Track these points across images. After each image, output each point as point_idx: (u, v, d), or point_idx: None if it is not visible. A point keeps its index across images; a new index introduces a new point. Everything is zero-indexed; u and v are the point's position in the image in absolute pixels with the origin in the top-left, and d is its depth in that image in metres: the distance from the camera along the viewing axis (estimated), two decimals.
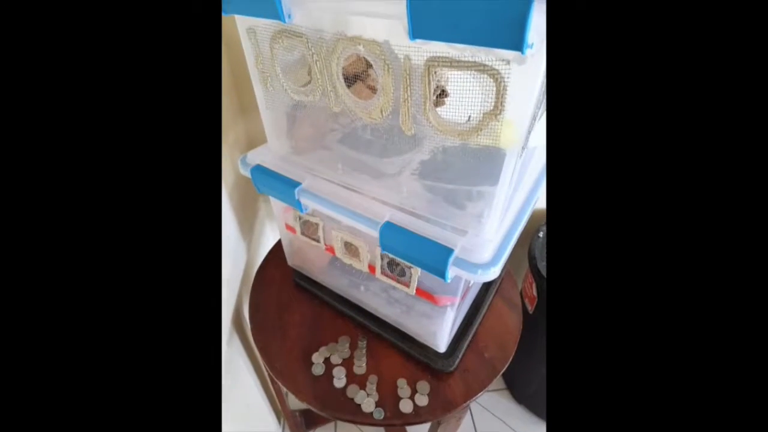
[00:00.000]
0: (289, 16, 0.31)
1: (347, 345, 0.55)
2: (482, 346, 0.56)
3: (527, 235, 0.85)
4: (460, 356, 0.53)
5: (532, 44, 0.22)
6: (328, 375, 0.51)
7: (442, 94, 0.38)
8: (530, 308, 0.83)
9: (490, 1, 0.21)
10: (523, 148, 0.30)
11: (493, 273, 0.35)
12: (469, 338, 0.55)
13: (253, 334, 0.56)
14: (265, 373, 0.82)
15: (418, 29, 0.24)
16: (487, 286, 0.62)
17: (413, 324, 0.52)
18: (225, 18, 0.37)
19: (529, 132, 0.30)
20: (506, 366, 0.54)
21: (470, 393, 0.50)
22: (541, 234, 0.84)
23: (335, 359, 0.53)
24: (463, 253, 0.35)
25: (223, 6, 0.34)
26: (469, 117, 0.31)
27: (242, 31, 0.37)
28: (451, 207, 0.38)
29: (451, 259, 0.35)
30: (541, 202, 0.94)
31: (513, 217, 0.40)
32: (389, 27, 0.27)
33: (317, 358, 0.53)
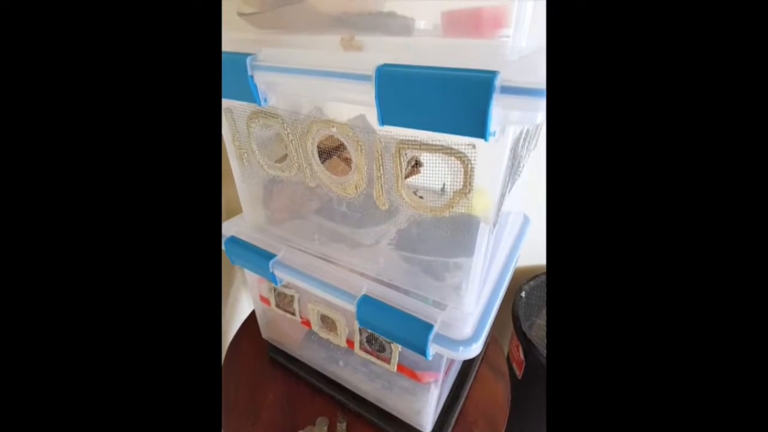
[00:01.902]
0: (265, 100, 0.32)
1: (325, 427, 0.50)
2: (471, 422, 0.52)
3: (509, 295, 0.84)
4: None
5: (495, 132, 0.23)
6: None
7: (416, 164, 0.39)
8: (518, 373, 0.80)
9: (453, 94, 0.22)
10: (494, 224, 0.30)
11: (475, 350, 0.33)
12: (456, 414, 0.52)
13: (223, 418, 0.51)
14: None
15: (387, 117, 0.25)
16: None
17: (396, 401, 0.48)
18: None
19: (500, 206, 0.31)
20: None
21: None
22: (523, 293, 0.83)
23: None
24: (443, 329, 0.34)
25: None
26: (444, 185, 0.31)
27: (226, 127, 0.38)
28: (429, 278, 0.37)
29: (431, 336, 0.33)
30: (519, 259, 0.95)
31: (492, 286, 0.39)
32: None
33: None
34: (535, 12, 0.23)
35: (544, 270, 0.90)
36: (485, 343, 0.63)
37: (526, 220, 0.52)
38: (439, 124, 0.24)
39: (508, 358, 0.87)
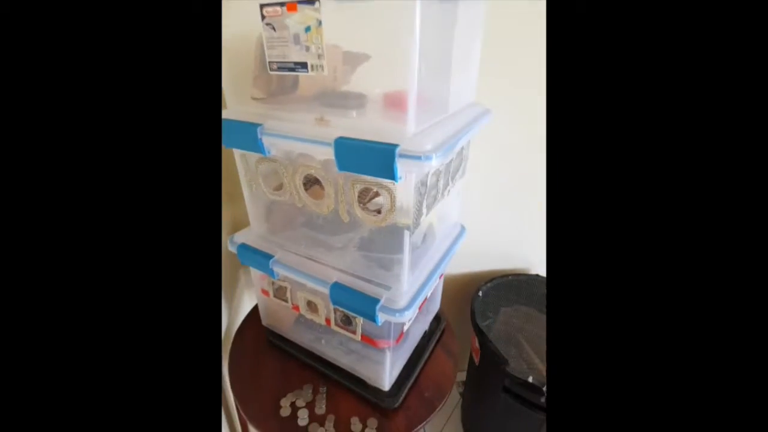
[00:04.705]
0: (268, 152, 0.49)
1: (310, 391, 0.66)
2: (423, 388, 0.67)
3: (470, 295, 1.00)
4: (403, 396, 0.64)
5: (402, 177, 0.40)
6: (293, 416, 0.61)
7: (376, 194, 0.56)
8: (476, 360, 0.95)
9: (376, 156, 0.40)
10: (410, 231, 0.47)
11: (408, 316, 0.50)
12: (411, 381, 0.67)
13: (231, 384, 0.66)
14: (237, 424, 0.88)
15: (342, 166, 0.43)
16: (428, 338, 0.75)
17: (364, 369, 0.64)
18: None
19: (417, 220, 0.47)
20: (443, 403, 0.65)
21: (411, 426, 0.61)
22: (480, 293, 0.99)
23: (300, 403, 0.63)
24: (387, 302, 0.50)
25: (225, 141, 0.52)
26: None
27: (237, 155, 0.56)
28: (381, 270, 0.53)
29: (378, 307, 0.50)
30: (480, 264, 1.11)
31: (426, 275, 0.56)
32: None
33: (284, 402, 0.63)
34: (420, 102, 0.41)
35: (501, 274, 1.06)
36: (440, 328, 0.78)
37: (462, 230, 0.69)
38: (371, 171, 0.41)
39: (471, 350, 1.02)
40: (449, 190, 0.58)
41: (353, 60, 0.47)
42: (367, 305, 0.50)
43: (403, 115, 0.41)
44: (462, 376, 1.20)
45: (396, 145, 0.39)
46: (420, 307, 0.63)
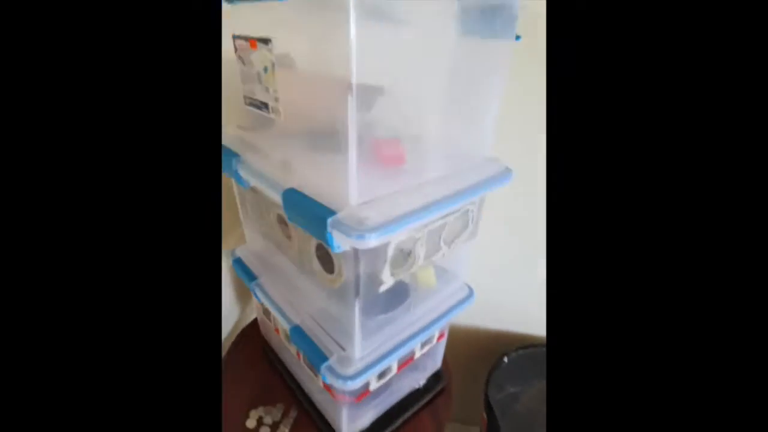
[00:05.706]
0: (247, 184, 0.48)
1: (281, 412, 0.65)
2: None
3: (492, 357, 0.88)
4: None
5: (339, 245, 0.35)
6: (256, 430, 0.62)
7: None
8: (483, 430, 0.84)
9: (313, 219, 0.36)
10: (359, 298, 0.41)
11: (351, 386, 0.45)
12: None
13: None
14: None
15: (291, 218, 0.39)
16: (419, 396, 0.68)
17: (330, 411, 0.61)
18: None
19: (373, 288, 0.42)
20: None
21: None
22: (506, 359, 0.87)
23: (267, 420, 0.63)
24: (336, 364, 0.46)
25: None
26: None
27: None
28: (341, 327, 0.49)
29: (324, 366, 0.46)
30: (508, 324, 0.97)
31: (392, 345, 0.49)
32: None
33: (254, 413, 0.64)
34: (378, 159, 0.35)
35: (535, 342, 0.90)
36: (435, 389, 0.70)
37: (469, 293, 0.60)
38: (312, 231, 0.37)
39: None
40: (443, 254, 0.50)
41: (367, 94, 0.43)
42: (317, 360, 0.47)
43: (344, 176, 0.35)
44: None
45: (332, 213, 0.34)
46: (399, 369, 0.58)
